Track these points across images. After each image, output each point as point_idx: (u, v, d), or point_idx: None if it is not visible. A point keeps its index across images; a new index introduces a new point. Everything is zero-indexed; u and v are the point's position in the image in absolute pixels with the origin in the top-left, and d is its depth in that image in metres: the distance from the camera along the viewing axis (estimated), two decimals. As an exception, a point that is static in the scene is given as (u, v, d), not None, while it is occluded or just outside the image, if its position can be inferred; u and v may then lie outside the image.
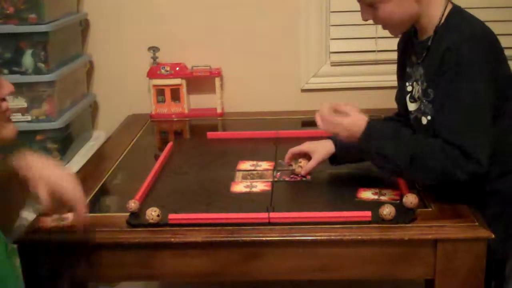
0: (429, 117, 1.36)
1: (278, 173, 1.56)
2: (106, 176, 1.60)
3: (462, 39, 1.28)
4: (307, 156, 1.54)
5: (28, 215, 1.33)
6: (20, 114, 1.87)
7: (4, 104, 1.11)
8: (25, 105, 1.87)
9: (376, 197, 1.39)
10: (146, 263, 1.30)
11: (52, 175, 1.12)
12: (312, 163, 1.52)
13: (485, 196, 1.36)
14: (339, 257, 1.27)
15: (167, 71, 2.16)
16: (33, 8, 1.85)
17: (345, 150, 1.50)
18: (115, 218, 1.35)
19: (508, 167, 1.37)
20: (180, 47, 2.21)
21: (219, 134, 1.99)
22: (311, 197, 1.45)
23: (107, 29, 2.22)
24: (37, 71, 1.88)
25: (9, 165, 1.12)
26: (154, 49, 2.17)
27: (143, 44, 2.18)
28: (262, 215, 1.30)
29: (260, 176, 1.56)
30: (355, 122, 1.35)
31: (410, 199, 1.31)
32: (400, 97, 1.51)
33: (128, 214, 1.34)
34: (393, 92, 1.57)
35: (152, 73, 2.17)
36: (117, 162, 1.71)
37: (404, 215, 1.29)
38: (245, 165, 1.64)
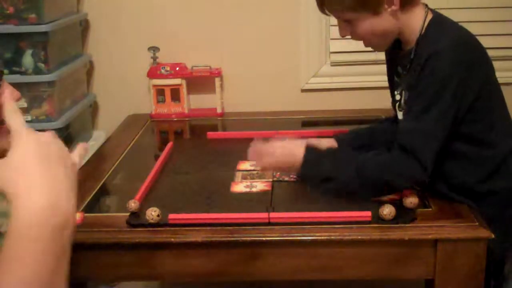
0: None
1: (278, 173, 1.56)
2: (106, 176, 1.60)
3: (437, 49, 1.27)
4: None
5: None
6: (20, 113, 1.86)
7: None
8: (25, 105, 1.87)
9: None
10: (146, 263, 1.30)
11: None
12: None
13: (483, 197, 1.36)
14: (339, 257, 1.27)
15: (167, 71, 2.16)
16: (33, 8, 1.85)
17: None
18: (115, 218, 1.35)
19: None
20: (180, 47, 2.21)
21: (219, 134, 1.99)
22: (311, 197, 1.45)
23: (107, 29, 2.22)
24: (37, 71, 1.88)
25: None
26: (154, 49, 2.17)
27: (143, 44, 2.18)
28: (262, 215, 1.30)
29: (260, 176, 1.55)
30: (290, 150, 1.40)
31: (410, 199, 1.31)
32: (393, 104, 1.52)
33: (128, 214, 1.34)
34: (393, 92, 1.57)
35: (152, 73, 2.17)
36: (117, 162, 1.71)
37: (404, 215, 1.29)
38: (245, 165, 1.64)
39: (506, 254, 1.40)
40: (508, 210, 1.37)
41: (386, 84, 1.55)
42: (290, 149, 1.41)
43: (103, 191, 1.53)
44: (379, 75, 2.15)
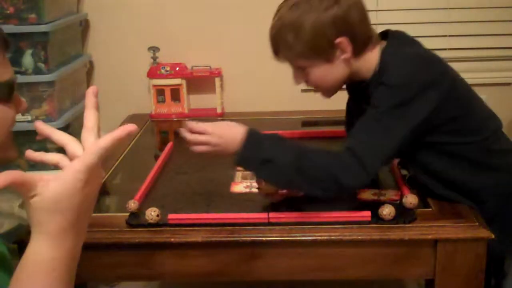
0: None
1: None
2: (106, 176, 1.60)
3: (389, 73, 1.26)
4: None
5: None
6: (20, 114, 1.86)
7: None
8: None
9: (376, 197, 1.39)
10: (146, 263, 1.30)
11: None
12: None
13: (482, 196, 1.36)
14: (339, 257, 1.27)
15: (167, 71, 2.16)
16: (33, 8, 1.85)
17: None
18: (114, 218, 1.35)
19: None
20: (180, 47, 2.21)
21: (219, 134, 1.99)
22: (311, 197, 1.45)
23: (107, 29, 2.22)
24: (37, 71, 1.88)
25: None
26: (154, 49, 2.17)
27: (143, 44, 2.18)
28: (262, 215, 1.30)
29: (260, 176, 1.55)
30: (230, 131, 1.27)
31: (410, 199, 1.31)
32: None
33: (127, 214, 1.34)
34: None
35: (152, 73, 2.17)
36: (117, 162, 1.71)
37: (404, 215, 1.29)
38: (245, 165, 1.63)
39: (505, 253, 1.40)
40: (507, 209, 1.37)
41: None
42: (227, 130, 1.28)
43: (103, 191, 1.53)
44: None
